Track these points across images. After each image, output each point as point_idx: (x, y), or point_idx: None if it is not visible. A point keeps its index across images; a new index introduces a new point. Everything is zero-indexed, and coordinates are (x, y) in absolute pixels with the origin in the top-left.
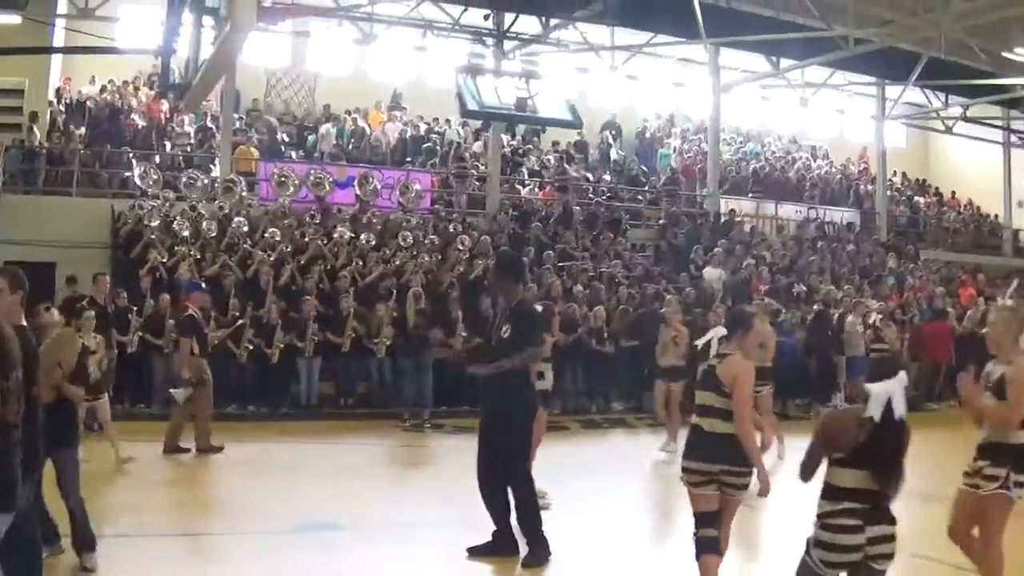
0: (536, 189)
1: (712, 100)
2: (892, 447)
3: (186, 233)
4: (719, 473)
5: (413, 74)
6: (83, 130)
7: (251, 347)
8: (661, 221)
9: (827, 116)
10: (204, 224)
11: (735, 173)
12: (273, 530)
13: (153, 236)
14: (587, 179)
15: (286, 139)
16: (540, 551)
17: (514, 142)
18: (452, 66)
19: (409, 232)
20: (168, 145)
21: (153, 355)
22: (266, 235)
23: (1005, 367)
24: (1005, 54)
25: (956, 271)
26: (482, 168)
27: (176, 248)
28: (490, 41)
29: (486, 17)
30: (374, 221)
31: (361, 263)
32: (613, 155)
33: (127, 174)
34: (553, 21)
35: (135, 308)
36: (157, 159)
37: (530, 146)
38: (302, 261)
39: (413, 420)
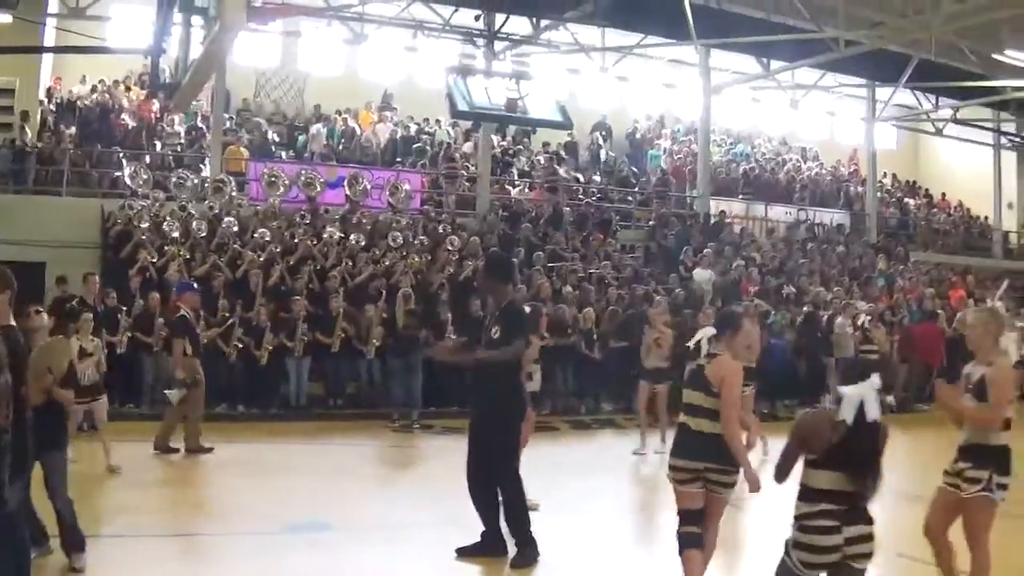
0: (526, 190)
1: (702, 101)
2: (866, 449)
3: (176, 233)
4: (704, 471)
5: (404, 74)
6: (73, 130)
7: (240, 345)
8: (651, 222)
9: (817, 118)
10: (194, 224)
11: (725, 174)
12: (264, 531)
13: (144, 236)
14: (577, 180)
15: (276, 139)
16: (528, 552)
17: (504, 143)
18: (443, 67)
19: (399, 233)
20: (158, 145)
21: (143, 354)
22: (256, 235)
23: (985, 368)
24: (995, 56)
25: (946, 273)
26: (472, 169)
27: (166, 248)
28: (481, 42)
29: (477, 18)
30: (364, 221)
31: (351, 264)
32: (603, 156)
33: (117, 174)
34: (544, 22)
35: (124, 308)
36: (147, 159)
37: (520, 147)
38: (291, 261)
39: (402, 421)
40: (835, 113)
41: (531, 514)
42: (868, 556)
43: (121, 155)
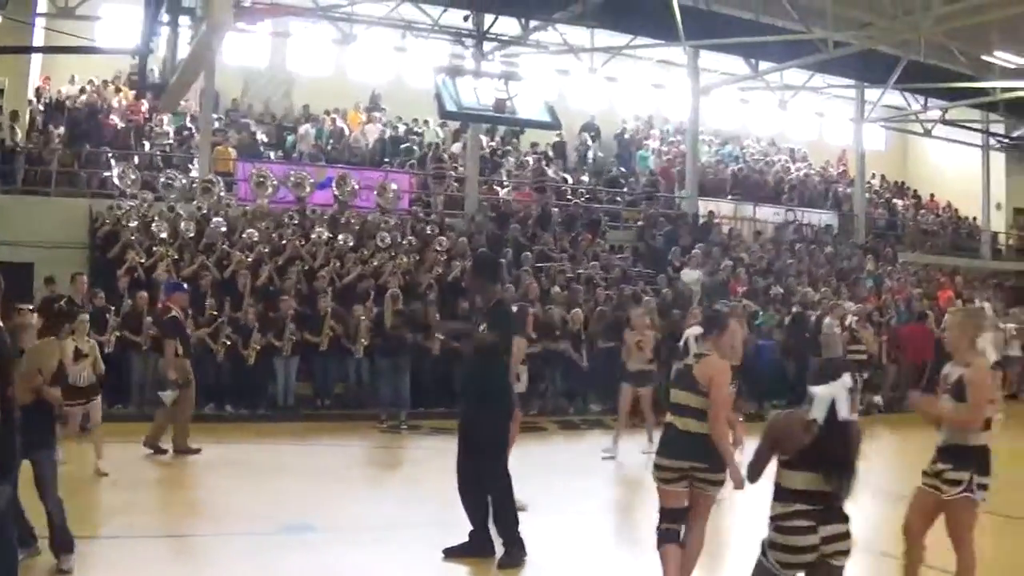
0: (513, 191)
1: (691, 102)
2: (838, 449)
3: (164, 234)
4: (690, 470)
5: (392, 75)
6: (62, 130)
7: (228, 342)
8: (639, 223)
9: (806, 119)
10: (182, 225)
11: (714, 175)
12: (255, 532)
13: (133, 236)
14: (565, 180)
15: (264, 139)
16: (516, 552)
17: (493, 143)
18: (431, 67)
19: (387, 233)
20: (147, 145)
21: (132, 355)
22: (244, 236)
23: (963, 369)
24: (984, 57)
25: (934, 273)
26: (461, 169)
27: (154, 249)
28: (470, 42)
29: (466, 18)
30: (352, 222)
31: (339, 264)
32: (592, 156)
33: (106, 174)
34: (533, 23)
35: (113, 308)
36: (136, 159)
37: (509, 147)
38: (280, 262)
39: (390, 421)
40: (824, 114)
41: (519, 514)
42: (846, 553)
43: (110, 155)
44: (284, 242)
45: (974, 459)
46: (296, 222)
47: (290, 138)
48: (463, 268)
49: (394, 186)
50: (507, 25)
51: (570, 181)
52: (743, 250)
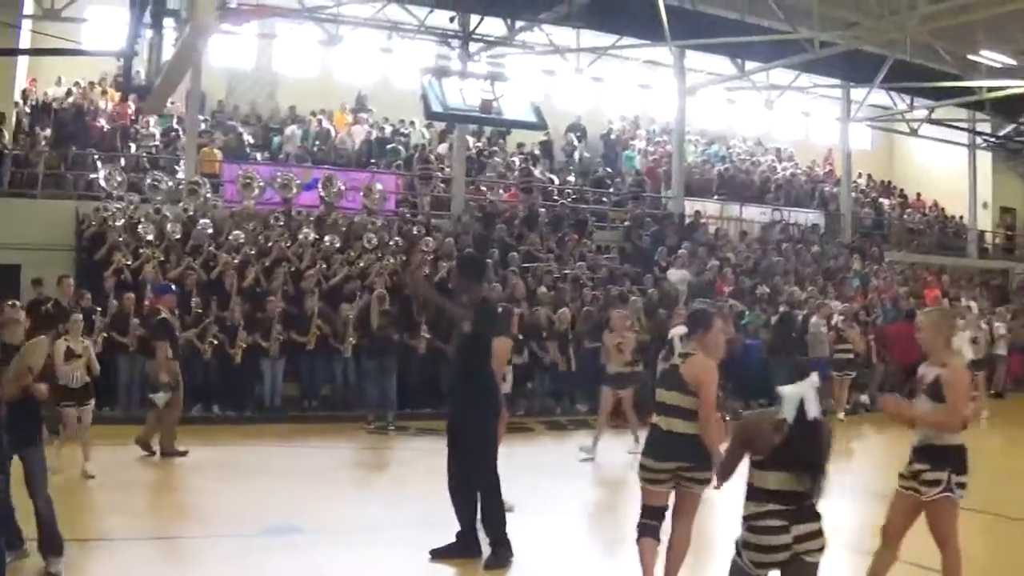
0: (501, 191)
1: (677, 102)
2: (808, 448)
3: (150, 236)
4: (677, 470)
5: (379, 76)
6: (49, 132)
7: (215, 342)
8: (626, 223)
9: (792, 118)
10: (168, 226)
11: (700, 175)
12: (243, 533)
13: (120, 238)
14: (552, 181)
15: (251, 141)
16: (502, 553)
17: (479, 144)
18: (418, 68)
19: (373, 234)
20: (133, 147)
21: (119, 356)
22: (230, 238)
23: (939, 369)
24: (970, 57)
25: (921, 272)
26: (447, 170)
27: (140, 251)
28: (456, 43)
29: (452, 19)
30: (339, 222)
31: (325, 266)
32: (578, 157)
33: (92, 176)
34: (519, 23)
35: (99, 309)
36: (122, 161)
37: (495, 148)
38: (267, 263)
39: (377, 422)
40: (810, 113)
41: (506, 515)
42: (820, 551)
43: (96, 157)
44: (270, 244)
45: (951, 458)
46: (282, 223)
47: (276, 139)
48: (449, 269)
49: (379, 187)
50: (493, 26)
51: (556, 182)
52: (729, 250)
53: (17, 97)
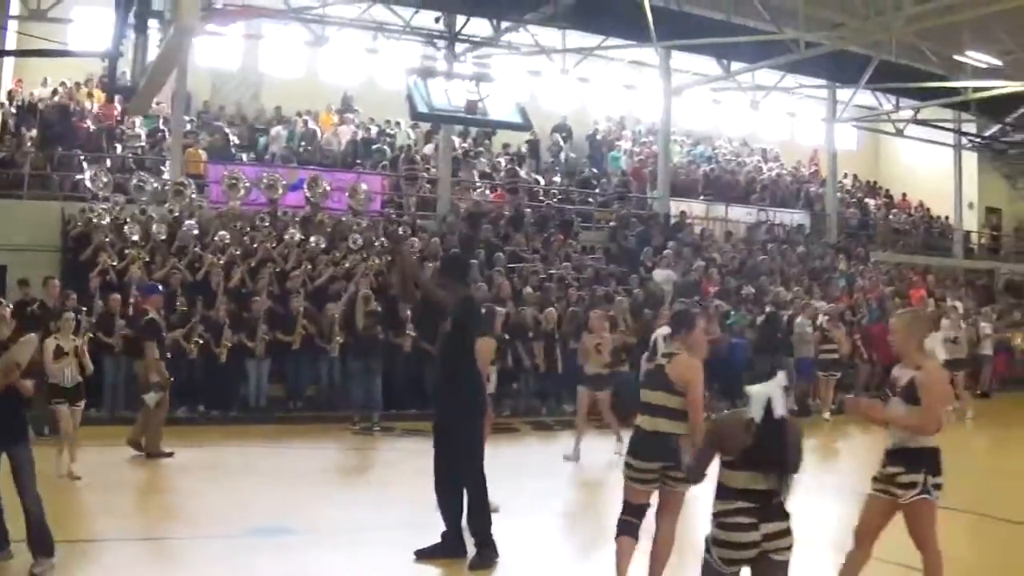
0: (487, 192)
1: (663, 103)
2: (775, 447)
3: (136, 236)
4: (661, 470)
5: (364, 76)
6: (34, 132)
7: (201, 341)
8: (612, 223)
9: (778, 119)
10: (154, 227)
11: (685, 175)
12: (230, 534)
13: (106, 239)
14: (538, 182)
15: (236, 141)
16: (488, 553)
17: (465, 144)
18: (403, 68)
19: (359, 235)
20: (119, 148)
21: (104, 357)
22: (216, 239)
23: (913, 371)
24: (956, 57)
25: (906, 272)
26: (433, 171)
27: (126, 251)
28: (441, 43)
29: (437, 19)
30: (326, 223)
31: (310, 267)
32: (564, 157)
33: (78, 177)
34: (504, 24)
35: (85, 309)
36: (108, 162)
37: (481, 148)
38: (252, 264)
39: (363, 423)
40: (795, 114)
41: (492, 516)
42: (788, 549)
43: (82, 158)
44: (255, 245)
45: (926, 461)
46: (268, 224)
47: (262, 140)
48: (435, 269)
49: (364, 187)
50: (479, 26)
51: (542, 182)
52: (715, 250)
53: (3, 98)
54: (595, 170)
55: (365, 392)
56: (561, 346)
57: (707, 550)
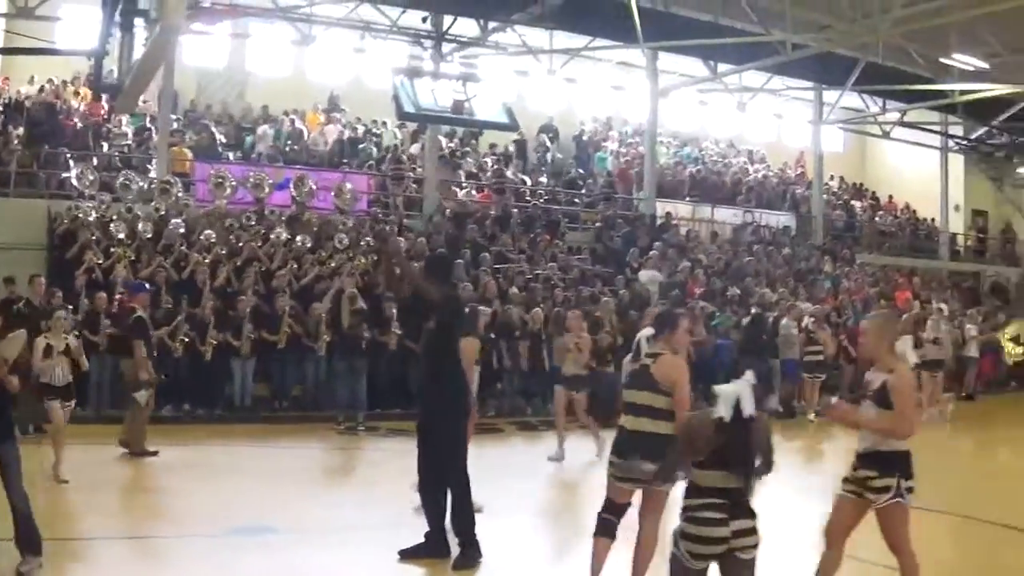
0: (474, 192)
1: (650, 104)
2: (742, 445)
3: (122, 235)
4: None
5: (351, 76)
6: (21, 130)
7: (186, 339)
8: (598, 224)
9: (765, 120)
10: (140, 226)
11: (672, 177)
12: (215, 533)
13: (93, 236)
14: (524, 182)
15: (223, 140)
16: (471, 553)
17: (452, 144)
18: (390, 68)
19: (345, 234)
20: (106, 146)
21: (89, 356)
22: (201, 237)
23: (885, 375)
24: (943, 60)
25: (892, 274)
26: (419, 170)
27: (112, 249)
28: (428, 43)
29: (424, 19)
30: (313, 221)
31: (296, 266)
32: (550, 158)
33: (65, 175)
34: (491, 24)
35: (70, 307)
36: (95, 160)
37: (468, 148)
38: (238, 263)
39: (347, 423)
40: (782, 116)
41: (475, 516)
42: (754, 547)
43: (69, 156)
44: (241, 244)
45: (898, 464)
46: (254, 223)
47: (249, 139)
48: (419, 269)
49: (349, 186)
50: (466, 26)
51: (529, 182)
52: (701, 251)
53: None
54: (581, 171)
55: (350, 392)
56: (547, 346)
57: (675, 544)
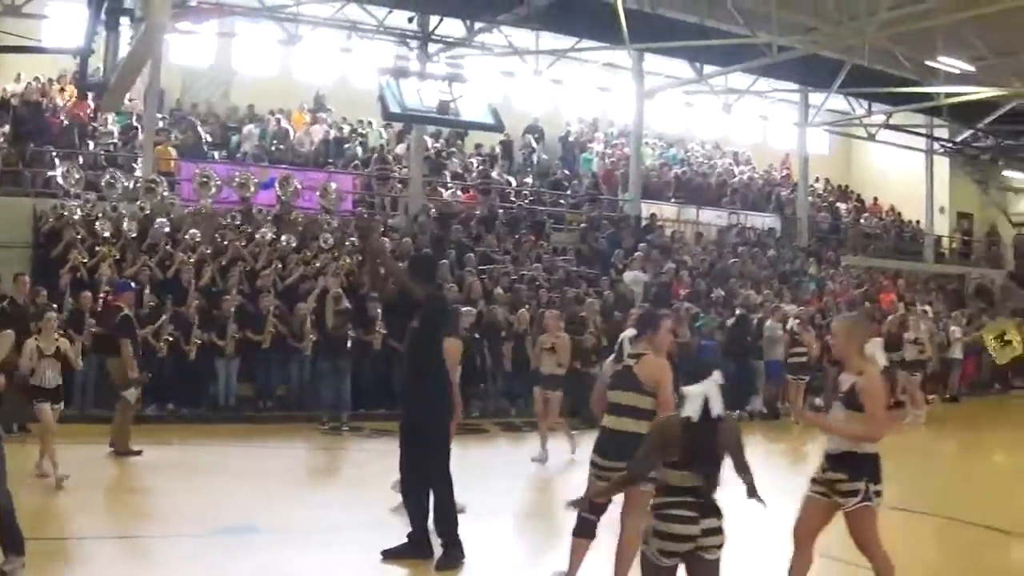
0: (459, 192)
1: (636, 105)
2: (709, 445)
3: (107, 234)
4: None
5: (337, 75)
6: (7, 128)
7: (171, 339)
8: (583, 225)
9: (750, 122)
10: (125, 224)
11: (657, 178)
12: (200, 533)
13: (78, 235)
14: (509, 183)
15: (209, 139)
16: (454, 553)
17: (437, 144)
18: (376, 68)
19: (330, 234)
20: (91, 144)
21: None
22: (187, 237)
23: (855, 377)
24: (928, 62)
25: (877, 276)
26: (405, 171)
27: (97, 248)
28: (414, 43)
29: (411, 20)
30: (299, 220)
31: (281, 266)
32: (535, 159)
33: (50, 173)
34: (478, 24)
35: (55, 306)
36: (80, 159)
37: (453, 149)
38: (223, 262)
39: (332, 423)
40: (768, 118)
41: (458, 516)
42: (719, 547)
43: (54, 154)
44: (226, 243)
45: (867, 468)
46: (239, 223)
47: (234, 138)
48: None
49: (334, 186)
50: (452, 27)
51: (514, 183)
52: (686, 253)
53: None
54: (567, 172)
55: (334, 392)
56: (532, 347)
57: (645, 542)
